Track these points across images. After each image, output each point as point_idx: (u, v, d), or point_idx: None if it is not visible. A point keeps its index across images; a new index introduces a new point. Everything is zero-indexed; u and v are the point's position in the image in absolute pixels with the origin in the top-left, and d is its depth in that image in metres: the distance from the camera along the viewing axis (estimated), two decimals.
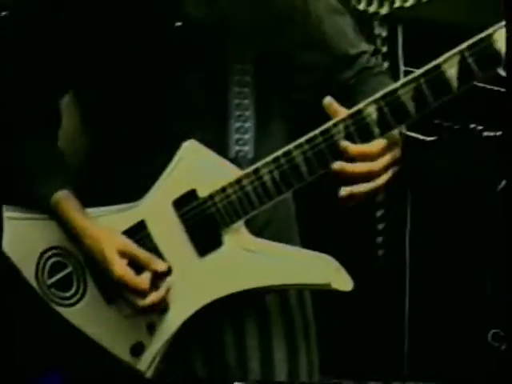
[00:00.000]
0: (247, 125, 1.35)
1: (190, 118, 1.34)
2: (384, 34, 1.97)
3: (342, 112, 1.24)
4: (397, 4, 2.24)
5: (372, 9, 2.30)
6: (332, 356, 1.91)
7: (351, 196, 1.23)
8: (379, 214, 2.12)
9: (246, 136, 1.35)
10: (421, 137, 1.78)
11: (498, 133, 1.77)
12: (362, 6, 2.32)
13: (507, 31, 1.15)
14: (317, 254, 1.30)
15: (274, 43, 1.35)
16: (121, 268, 1.30)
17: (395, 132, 1.25)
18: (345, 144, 1.22)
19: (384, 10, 2.23)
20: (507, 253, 1.70)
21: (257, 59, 1.34)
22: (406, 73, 1.91)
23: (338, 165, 1.22)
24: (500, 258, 1.73)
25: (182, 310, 1.33)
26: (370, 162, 1.22)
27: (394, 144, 1.25)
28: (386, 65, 1.97)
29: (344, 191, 1.22)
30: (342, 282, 1.27)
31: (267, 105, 1.38)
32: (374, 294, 2.07)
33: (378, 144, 1.23)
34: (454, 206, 1.83)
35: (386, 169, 1.23)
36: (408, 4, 2.20)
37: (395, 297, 1.99)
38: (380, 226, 2.15)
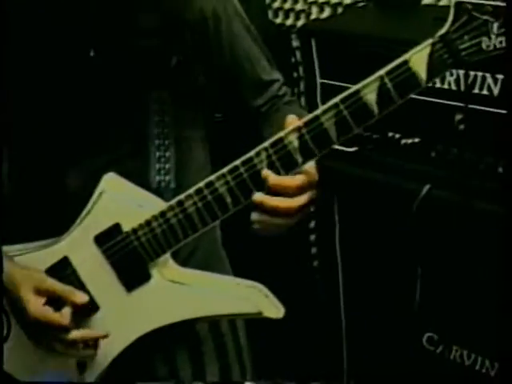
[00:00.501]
0: (168, 154, 1.35)
1: (107, 150, 1.34)
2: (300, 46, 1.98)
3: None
4: (313, 16, 2.25)
5: (289, 22, 2.32)
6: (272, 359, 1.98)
7: (263, 226, 1.23)
8: (311, 224, 2.16)
9: (168, 165, 1.36)
10: (343, 148, 1.80)
11: (416, 140, 1.81)
12: (279, 20, 2.34)
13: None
14: (246, 281, 1.30)
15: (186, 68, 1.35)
16: (36, 308, 1.29)
17: (312, 164, 1.25)
18: (266, 173, 1.23)
19: (300, 23, 2.25)
20: (437, 255, 1.76)
21: (173, 86, 1.34)
22: (323, 85, 1.94)
23: (258, 197, 1.23)
24: (429, 261, 1.78)
25: (112, 347, 1.33)
26: (289, 199, 1.22)
27: (313, 181, 1.25)
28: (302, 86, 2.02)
29: (255, 219, 1.22)
30: (273, 309, 1.28)
31: (187, 131, 1.39)
32: (311, 301, 2.11)
33: (299, 178, 1.23)
34: (379, 214, 1.86)
35: (302, 208, 1.23)
36: (324, 16, 2.22)
37: (331, 301, 2.02)
38: (312, 237, 2.19)
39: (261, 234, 1.25)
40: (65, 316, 1.28)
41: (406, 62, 1.18)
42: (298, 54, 2.09)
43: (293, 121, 1.23)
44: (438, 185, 1.73)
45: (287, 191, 1.22)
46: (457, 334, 1.78)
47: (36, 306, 1.28)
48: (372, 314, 1.93)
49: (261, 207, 1.22)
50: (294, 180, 1.23)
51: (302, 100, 2.04)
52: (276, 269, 2.10)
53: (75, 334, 1.30)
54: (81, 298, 1.30)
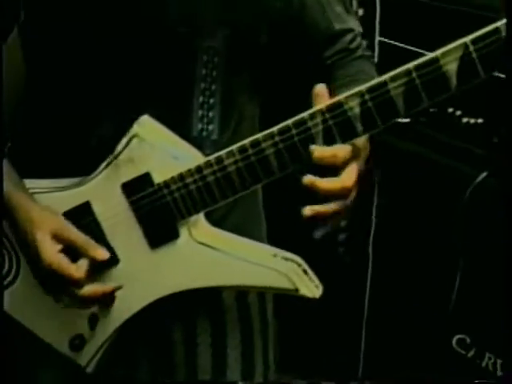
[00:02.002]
0: (212, 100, 1.42)
1: (148, 89, 1.40)
2: None
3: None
4: None
5: None
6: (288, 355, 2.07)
7: (317, 216, 1.30)
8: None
9: (211, 113, 1.42)
10: None
11: (479, 120, 1.92)
12: None
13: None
14: (284, 253, 1.37)
15: (246, 15, 1.41)
16: (52, 254, 1.36)
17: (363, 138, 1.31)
18: (311, 148, 1.29)
19: None
20: (479, 256, 1.86)
21: (227, 34, 1.40)
22: (381, 44, 2.00)
23: (308, 179, 1.29)
24: (474, 255, 1.90)
25: (129, 305, 1.41)
26: (341, 179, 1.29)
27: (360, 152, 1.33)
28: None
29: (309, 211, 1.29)
30: (311, 287, 1.35)
31: (236, 80, 1.45)
32: (335, 293, 2.20)
33: (344, 148, 1.29)
34: (425, 196, 1.95)
35: (355, 185, 1.31)
36: None
37: (356, 296, 2.11)
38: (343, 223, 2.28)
39: (320, 232, 1.34)
40: (80, 269, 1.36)
41: (496, 31, 1.21)
42: (354, 1, 2.11)
43: (320, 91, 1.29)
44: (496, 173, 1.81)
45: (336, 163, 1.29)
46: (493, 340, 1.87)
47: (51, 252, 1.36)
48: (398, 307, 2.01)
49: (311, 190, 1.28)
50: (344, 149, 1.29)
51: None
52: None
53: (88, 289, 1.37)
54: (101, 254, 1.38)
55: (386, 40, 2.01)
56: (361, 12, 2.05)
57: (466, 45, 1.23)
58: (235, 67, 1.44)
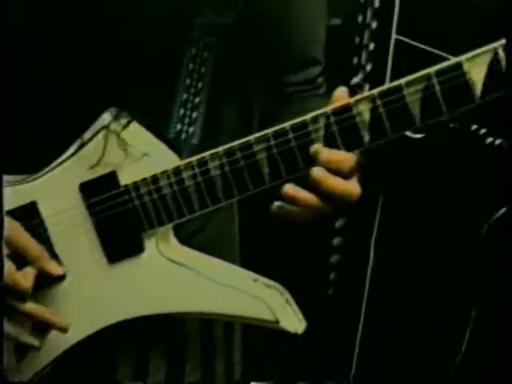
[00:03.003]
0: (198, 99, 1.41)
1: (129, 83, 1.40)
2: None
3: None
4: None
5: None
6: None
7: (295, 199, 1.30)
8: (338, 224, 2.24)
9: (194, 114, 1.41)
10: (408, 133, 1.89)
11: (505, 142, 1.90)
12: None
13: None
14: (265, 280, 1.36)
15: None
16: None
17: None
18: (317, 148, 1.29)
19: None
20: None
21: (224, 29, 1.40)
22: (398, 43, 1.99)
23: (318, 172, 1.28)
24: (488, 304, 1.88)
25: (72, 332, 1.37)
26: (346, 182, 1.29)
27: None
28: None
29: (291, 189, 1.29)
30: (294, 320, 1.33)
31: (226, 81, 1.45)
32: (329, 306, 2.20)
33: (353, 156, 1.30)
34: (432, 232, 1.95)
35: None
36: None
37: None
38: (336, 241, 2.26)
39: (285, 219, 1.33)
40: (27, 277, 1.33)
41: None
42: None
43: (341, 96, 1.29)
44: None
45: (343, 170, 1.29)
46: None
47: None
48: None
49: (317, 186, 1.28)
50: (352, 157, 1.29)
51: (364, 55, 2.11)
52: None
53: (31, 306, 1.34)
54: (55, 269, 1.35)
55: (403, 39, 1.99)
56: (377, 3, 2.03)
57: (495, 50, 1.23)
58: (226, 65, 1.43)
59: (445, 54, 1.79)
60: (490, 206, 1.89)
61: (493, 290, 1.89)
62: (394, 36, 1.97)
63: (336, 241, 2.20)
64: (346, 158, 1.30)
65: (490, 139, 1.90)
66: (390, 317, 2.06)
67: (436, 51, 1.84)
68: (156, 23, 1.40)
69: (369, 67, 1.99)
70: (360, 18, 2.06)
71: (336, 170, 1.29)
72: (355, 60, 2.00)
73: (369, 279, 2.07)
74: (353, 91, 1.60)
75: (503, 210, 1.84)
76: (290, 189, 1.30)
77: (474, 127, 1.91)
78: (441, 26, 1.86)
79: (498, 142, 1.90)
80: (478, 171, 1.91)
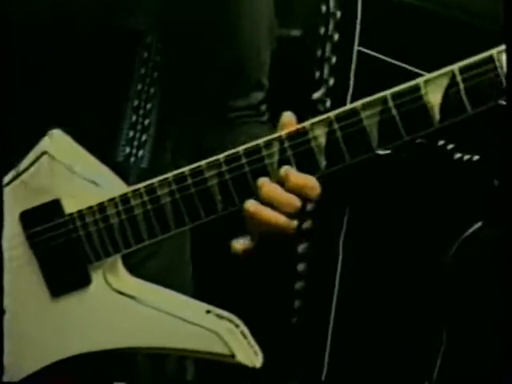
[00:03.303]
0: (147, 121, 1.41)
1: (77, 100, 1.39)
2: None
3: None
4: None
5: None
6: None
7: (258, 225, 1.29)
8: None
9: (144, 136, 1.41)
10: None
11: (475, 157, 1.89)
12: None
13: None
14: (219, 311, 1.34)
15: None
16: None
17: None
18: (286, 170, 1.28)
19: None
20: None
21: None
22: (360, 54, 1.99)
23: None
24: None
25: (17, 367, 1.35)
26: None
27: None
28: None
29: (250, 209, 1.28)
30: (250, 354, 1.32)
31: (174, 102, 1.44)
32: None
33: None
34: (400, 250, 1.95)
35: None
36: None
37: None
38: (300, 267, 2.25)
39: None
40: None
41: (490, 59, 1.21)
42: (331, 2, 2.14)
43: (288, 120, 1.29)
44: (494, 224, 1.81)
45: (310, 194, 1.28)
46: None
47: None
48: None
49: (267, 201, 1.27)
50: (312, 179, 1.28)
51: (326, 69, 2.10)
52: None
53: None
54: None
55: (365, 50, 1.98)
56: (338, 15, 2.03)
57: (452, 73, 1.23)
58: (173, 86, 1.43)
59: (408, 67, 1.80)
60: (460, 224, 1.88)
61: (463, 310, 1.88)
62: (356, 48, 1.96)
63: (300, 267, 2.20)
64: (315, 184, 1.28)
65: (458, 155, 1.89)
66: (357, 345, 2.05)
67: (399, 63, 1.83)
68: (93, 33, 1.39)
69: (331, 81, 1.98)
70: (322, 30, 2.06)
71: (302, 196, 1.29)
72: (317, 74, 1.99)
73: (335, 303, 2.06)
74: (314, 107, 1.61)
75: (473, 227, 1.83)
76: (251, 206, 1.29)
77: (441, 142, 1.90)
78: (404, 37, 1.86)
79: (466, 157, 1.89)
80: (446, 188, 1.91)
